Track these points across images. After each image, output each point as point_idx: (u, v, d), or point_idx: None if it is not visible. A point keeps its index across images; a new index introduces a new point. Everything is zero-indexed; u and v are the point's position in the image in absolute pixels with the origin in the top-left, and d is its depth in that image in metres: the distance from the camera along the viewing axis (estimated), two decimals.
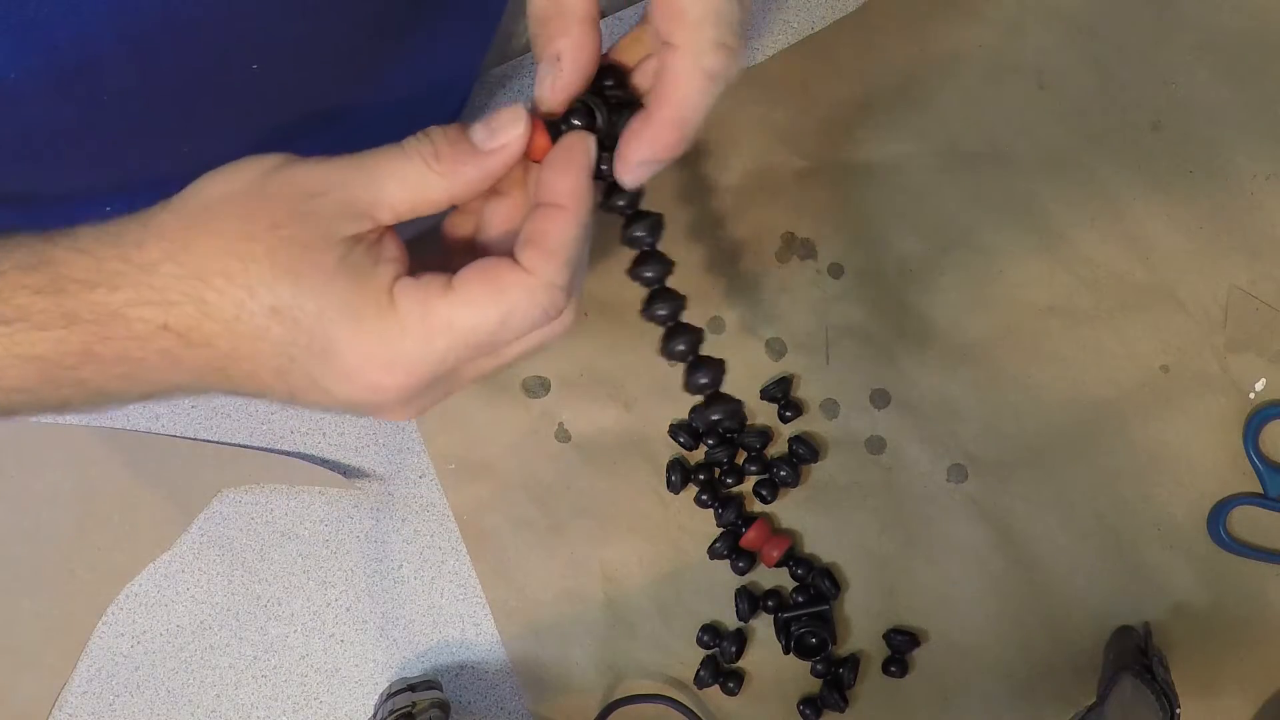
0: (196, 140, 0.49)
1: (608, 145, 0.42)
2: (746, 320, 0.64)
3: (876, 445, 0.63)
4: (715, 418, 0.45)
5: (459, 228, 0.44)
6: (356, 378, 0.39)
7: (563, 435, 0.64)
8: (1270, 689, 0.60)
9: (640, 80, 0.44)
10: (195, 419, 0.64)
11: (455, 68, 0.62)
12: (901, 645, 0.61)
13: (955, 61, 0.66)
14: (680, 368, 0.45)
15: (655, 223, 0.44)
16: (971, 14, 0.66)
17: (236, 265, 0.38)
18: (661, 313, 0.44)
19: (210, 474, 0.64)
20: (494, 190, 0.43)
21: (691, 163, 0.65)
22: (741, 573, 0.62)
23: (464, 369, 0.41)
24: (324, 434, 0.65)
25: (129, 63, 0.43)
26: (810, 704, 0.61)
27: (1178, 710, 0.53)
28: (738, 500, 0.62)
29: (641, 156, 0.41)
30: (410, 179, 0.39)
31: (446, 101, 0.64)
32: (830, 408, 0.63)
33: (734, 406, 0.45)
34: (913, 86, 0.65)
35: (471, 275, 0.39)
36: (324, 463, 0.64)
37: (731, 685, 0.61)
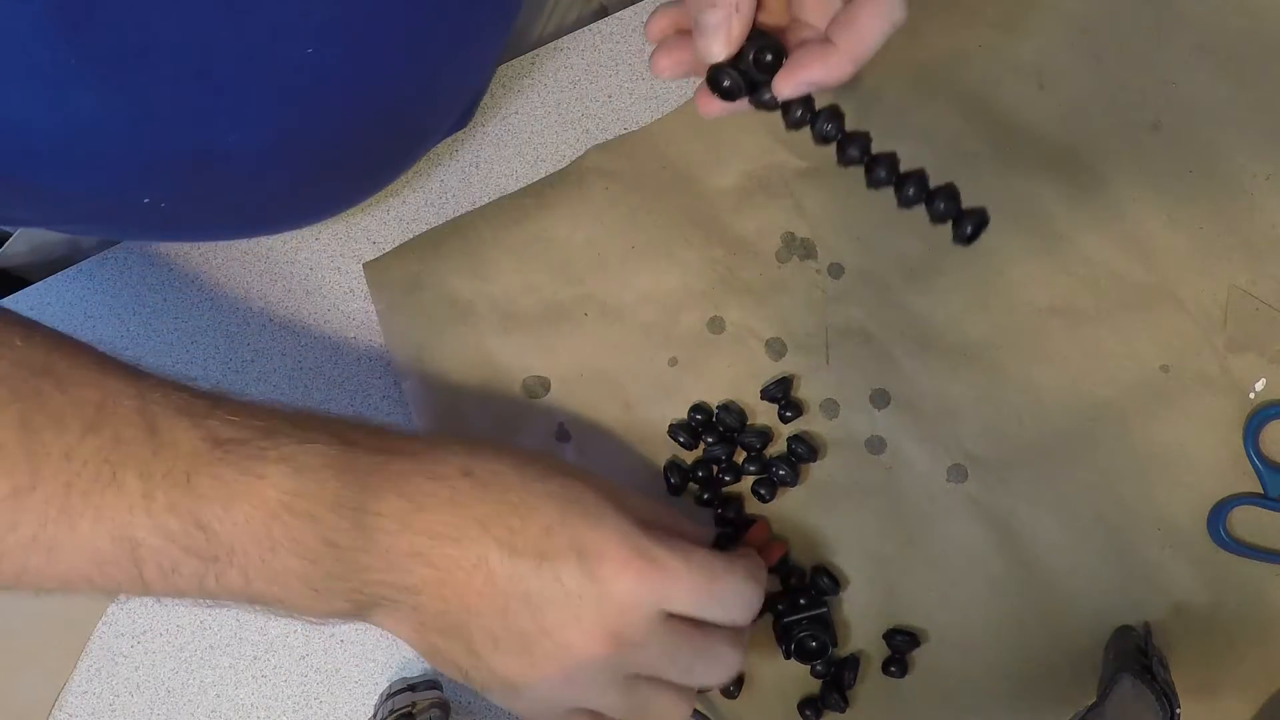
0: (244, 130, 0.50)
1: (767, 70, 0.48)
2: (746, 320, 0.64)
3: (876, 445, 0.63)
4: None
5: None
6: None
7: (563, 435, 0.64)
8: (1270, 689, 0.60)
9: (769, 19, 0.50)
10: None
11: (479, 60, 0.62)
12: (901, 645, 0.61)
13: (955, 61, 0.66)
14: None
15: (832, 113, 0.50)
16: (971, 14, 0.66)
17: (551, 540, 0.50)
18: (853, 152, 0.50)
19: None
20: None
21: (692, 162, 0.65)
22: None
23: None
24: None
25: (184, 48, 0.43)
26: (810, 705, 0.61)
27: (1178, 710, 0.53)
28: (737, 500, 0.62)
29: (816, 79, 0.47)
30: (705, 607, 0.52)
31: (462, 96, 0.64)
32: (830, 408, 0.63)
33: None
34: (913, 86, 0.65)
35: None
36: None
37: (731, 689, 0.61)
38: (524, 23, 0.69)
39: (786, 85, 0.47)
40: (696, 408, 0.63)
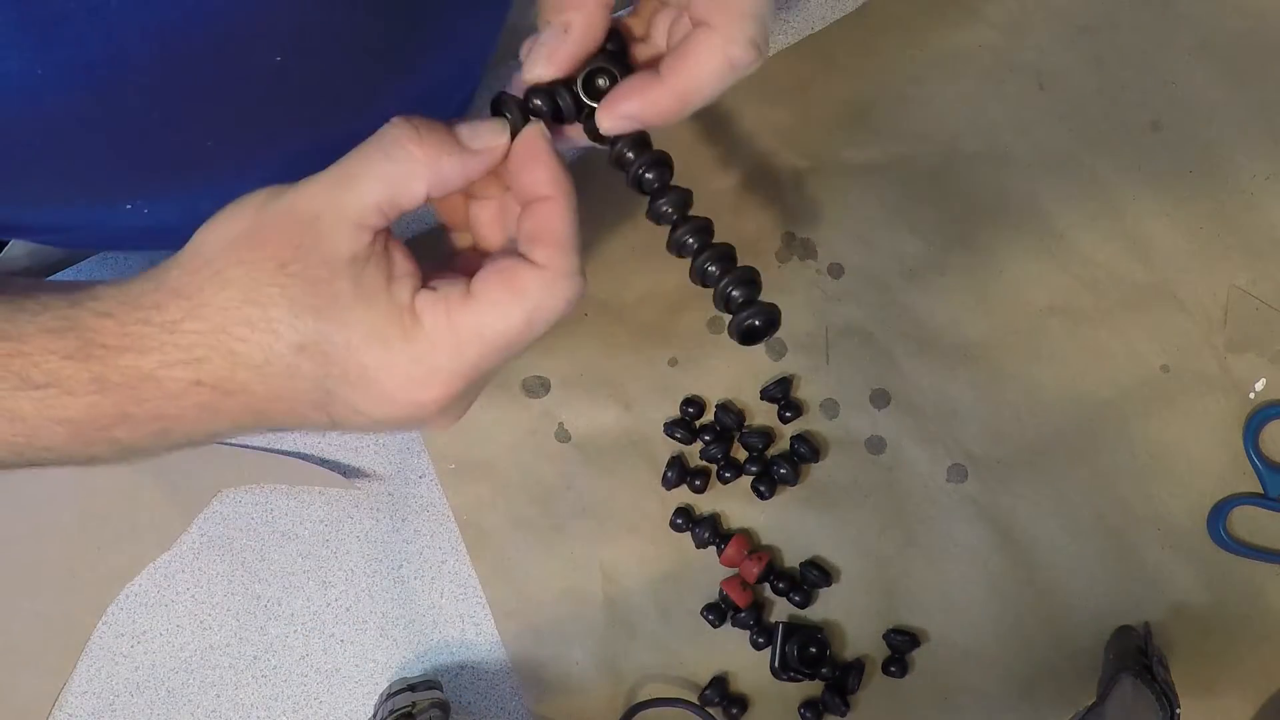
0: (219, 135, 0.50)
1: (595, 98, 0.42)
2: None
3: (876, 445, 0.63)
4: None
5: (455, 241, 0.45)
6: (397, 398, 0.39)
7: (563, 435, 0.64)
8: (1270, 689, 0.60)
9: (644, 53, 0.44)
10: None
11: (466, 61, 0.62)
12: (901, 645, 0.61)
13: (955, 61, 0.66)
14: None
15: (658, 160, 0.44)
16: (971, 14, 0.66)
17: (256, 312, 0.38)
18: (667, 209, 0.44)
19: (210, 474, 0.64)
20: (474, 195, 0.43)
21: (692, 162, 0.65)
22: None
23: (495, 368, 0.41)
24: (324, 434, 0.65)
25: (154, 57, 0.43)
26: (811, 707, 0.61)
27: (1178, 710, 0.53)
28: (711, 519, 0.63)
29: (633, 111, 0.41)
30: (388, 174, 0.39)
31: (455, 96, 0.64)
32: (830, 408, 0.63)
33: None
34: (913, 86, 0.65)
35: (489, 279, 0.39)
36: (324, 463, 0.64)
37: (734, 711, 0.61)
38: (523, 23, 0.69)
39: (605, 117, 0.42)
40: (689, 401, 0.63)
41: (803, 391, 0.64)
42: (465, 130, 0.40)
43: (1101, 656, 0.60)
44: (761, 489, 0.62)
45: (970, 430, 0.63)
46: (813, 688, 0.62)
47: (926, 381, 0.63)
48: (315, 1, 0.46)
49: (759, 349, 0.64)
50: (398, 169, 0.39)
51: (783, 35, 0.66)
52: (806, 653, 0.60)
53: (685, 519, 0.62)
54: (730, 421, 0.63)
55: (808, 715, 0.61)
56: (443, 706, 0.58)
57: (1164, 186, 0.64)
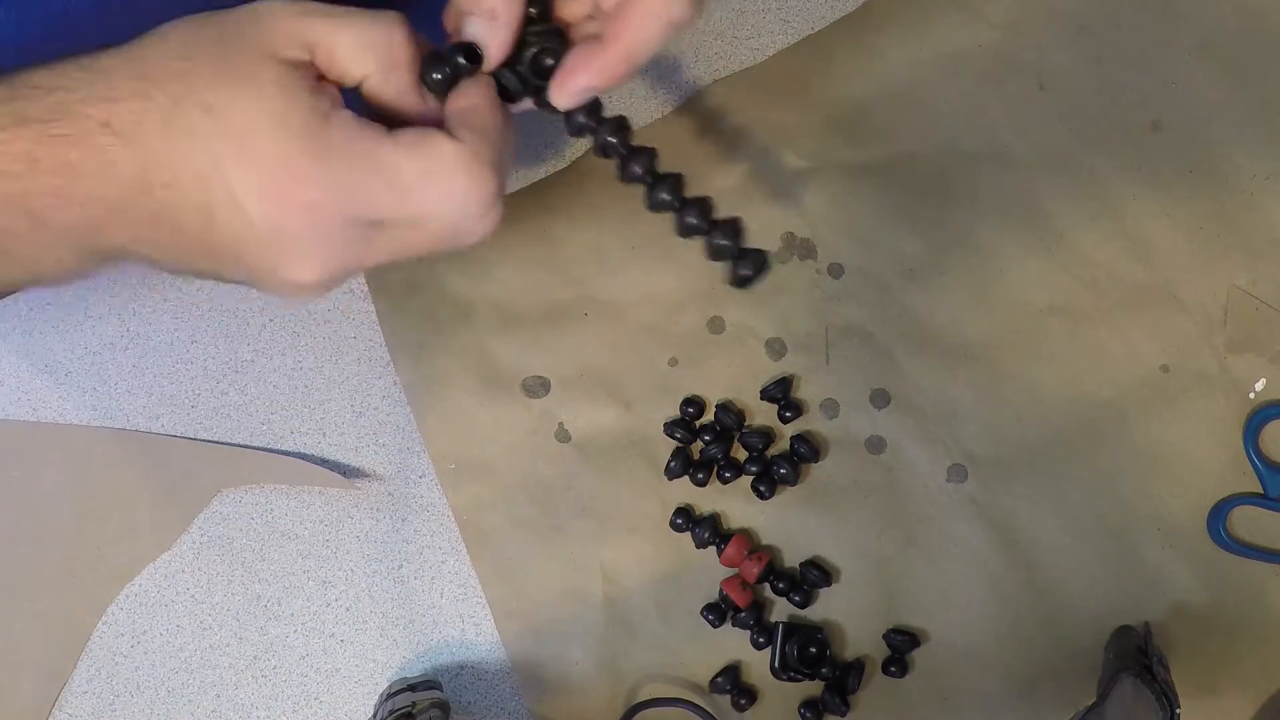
0: None
1: (544, 76, 0.43)
2: (746, 320, 0.64)
3: (876, 445, 0.63)
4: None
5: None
6: (270, 187, 0.39)
7: (563, 435, 0.64)
8: (1270, 689, 0.60)
9: (568, 11, 0.45)
10: (195, 419, 0.65)
11: None
12: (901, 645, 0.61)
13: (955, 61, 0.66)
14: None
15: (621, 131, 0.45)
16: (971, 14, 0.66)
17: (182, 65, 0.39)
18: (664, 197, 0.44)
19: (210, 474, 0.64)
20: None
21: (691, 162, 0.65)
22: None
23: (378, 235, 0.41)
24: (324, 434, 0.65)
25: (136, 28, 0.43)
26: (811, 707, 0.61)
27: (1178, 710, 0.53)
28: (711, 518, 0.63)
29: (585, 84, 0.42)
30: (361, 41, 0.40)
31: None
32: (830, 408, 0.63)
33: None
34: (913, 86, 0.65)
35: (408, 131, 0.40)
36: (324, 463, 0.64)
37: (742, 701, 0.61)
38: None
39: (560, 95, 0.43)
40: (689, 401, 0.63)
41: (803, 391, 0.64)
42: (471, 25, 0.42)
43: (1101, 656, 0.60)
44: (761, 489, 0.62)
45: (970, 430, 0.63)
46: (813, 688, 0.62)
47: (926, 381, 0.63)
48: None
49: (758, 349, 0.64)
50: (362, 41, 0.40)
51: (783, 35, 0.66)
52: (806, 653, 0.60)
53: (685, 519, 0.63)
54: (730, 421, 0.63)
55: (808, 715, 0.61)
56: (443, 706, 0.58)
57: (1164, 186, 0.64)
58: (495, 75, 0.43)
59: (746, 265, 0.43)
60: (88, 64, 0.39)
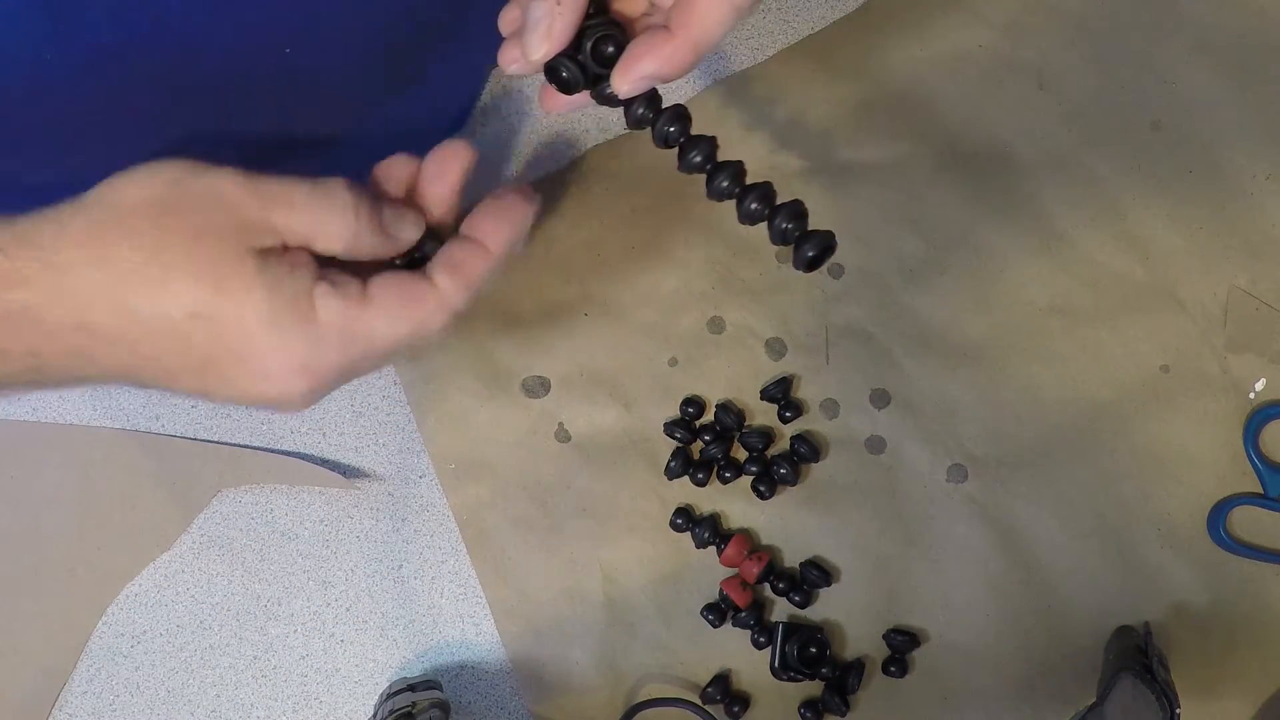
0: (227, 125, 0.50)
1: (606, 64, 0.43)
2: (746, 320, 0.64)
3: (876, 445, 0.63)
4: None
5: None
6: (274, 379, 0.41)
7: (563, 435, 0.64)
8: (1270, 689, 0.60)
9: (625, 7, 0.45)
10: (195, 419, 0.65)
11: (471, 61, 0.62)
12: (901, 645, 0.61)
13: (955, 61, 0.66)
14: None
15: (677, 113, 0.45)
16: (971, 14, 0.66)
17: (159, 273, 0.39)
18: (724, 184, 0.45)
19: (210, 474, 0.64)
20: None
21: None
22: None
23: (367, 371, 0.44)
24: (324, 434, 0.65)
25: (162, 44, 0.43)
26: (811, 707, 0.61)
27: (1178, 710, 0.53)
28: (711, 518, 0.63)
29: (650, 71, 0.42)
30: (316, 222, 0.41)
31: (456, 96, 0.64)
32: (830, 408, 0.63)
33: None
34: (913, 86, 0.65)
35: (388, 287, 0.42)
36: (324, 463, 0.64)
37: (735, 709, 0.61)
38: None
39: (623, 81, 0.43)
40: (689, 401, 0.63)
41: (803, 391, 0.64)
42: (390, 216, 0.43)
43: (1101, 656, 0.60)
44: (761, 489, 0.62)
45: (970, 430, 0.63)
46: (813, 688, 0.62)
47: (926, 381, 0.63)
48: None
49: (758, 349, 0.64)
50: (327, 224, 0.41)
51: (783, 35, 0.66)
52: (806, 653, 0.61)
53: (685, 519, 0.63)
54: (730, 421, 0.63)
55: (808, 715, 0.61)
56: (443, 706, 0.58)
57: (1164, 186, 0.64)
58: (554, 64, 0.43)
59: (812, 246, 0.44)
60: (46, 257, 0.39)
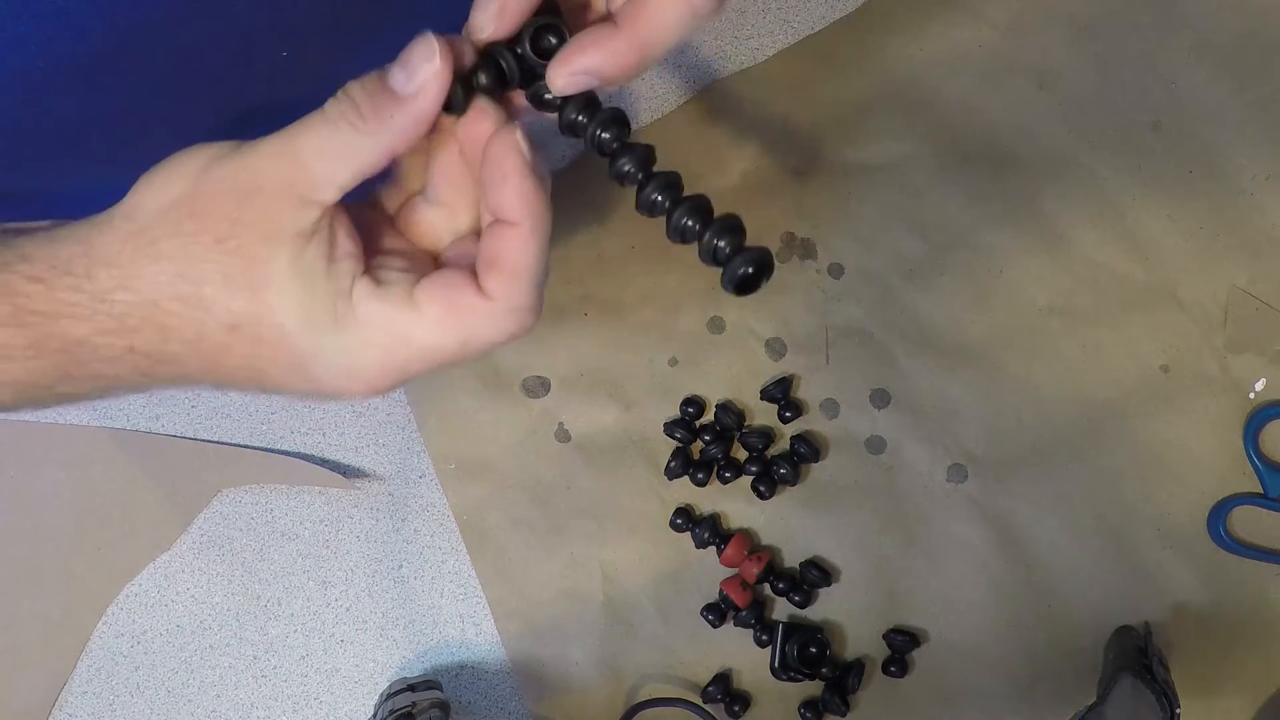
0: (225, 130, 0.50)
1: (545, 56, 0.39)
2: (746, 320, 0.64)
3: (876, 445, 0.63)
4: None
5: (400, 194, 0.43)
6: (323, 383, 0.39)
7: (563, 435, 0.64)
8: (1270, 689, 0.60)
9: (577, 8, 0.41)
10: (195, 419, 0.65)
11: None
12: (901, 645, 0.61)
13: (955, 61, 0.66)
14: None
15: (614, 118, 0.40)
16: (971, 14, 0.66)
17: (189, 289, 0.37)
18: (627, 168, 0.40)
19: (210, 474, 0.64)
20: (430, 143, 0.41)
21: (691, 162, 0.65)
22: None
23: (422, 374, 0.40)
24: (324, 434, 0.65)
25: (156, 48, 0.43)
26: (811, 707, 0.61)
27: (1178, 710, 0.53)
28: (711, 519, 0.63)
29: (590, 65, 0.38)
30: (340, 146, 0.37)
31: None
32: (830, 408, 0.63)
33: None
34: (913, 86, 0.65)
35: (434, 293, 0.38)
36: (324, 463, 0.64)
37: (736, 709, 0.61)
38: None
39: (559, 74, 0.38)
40: (689, 401, 0.63)
41: (803, 391, 0.64)
42: (399, 75, 0.38)
43: (1101, 656, 0.60)
44: (761, 489, 0.62)
45: (970, 430, 0.63)
46: (813, 688, 0.62)
47: (926, 381, 0.63)
48: None
49: (758, 349, 0.64)
50: (346, 140, 0.37)
51: (783, 35, 0.66)
52: (806, 653, 0.61)
53: (685, 519, 0.63)
54: (730, 421, 0.63)
55: (808, 715, 0.61)
56: (443, 706, 0.58)
57: (1164, 186, 0.64)
58: (491, 52, 0.39)
59: (745, 263, 0.39)
60: (80, 284, 0.38)
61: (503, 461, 0.64)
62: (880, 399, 0.63)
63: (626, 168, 0.40)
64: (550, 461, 0.64)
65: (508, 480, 0.64)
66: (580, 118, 0.39)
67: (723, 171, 0.65)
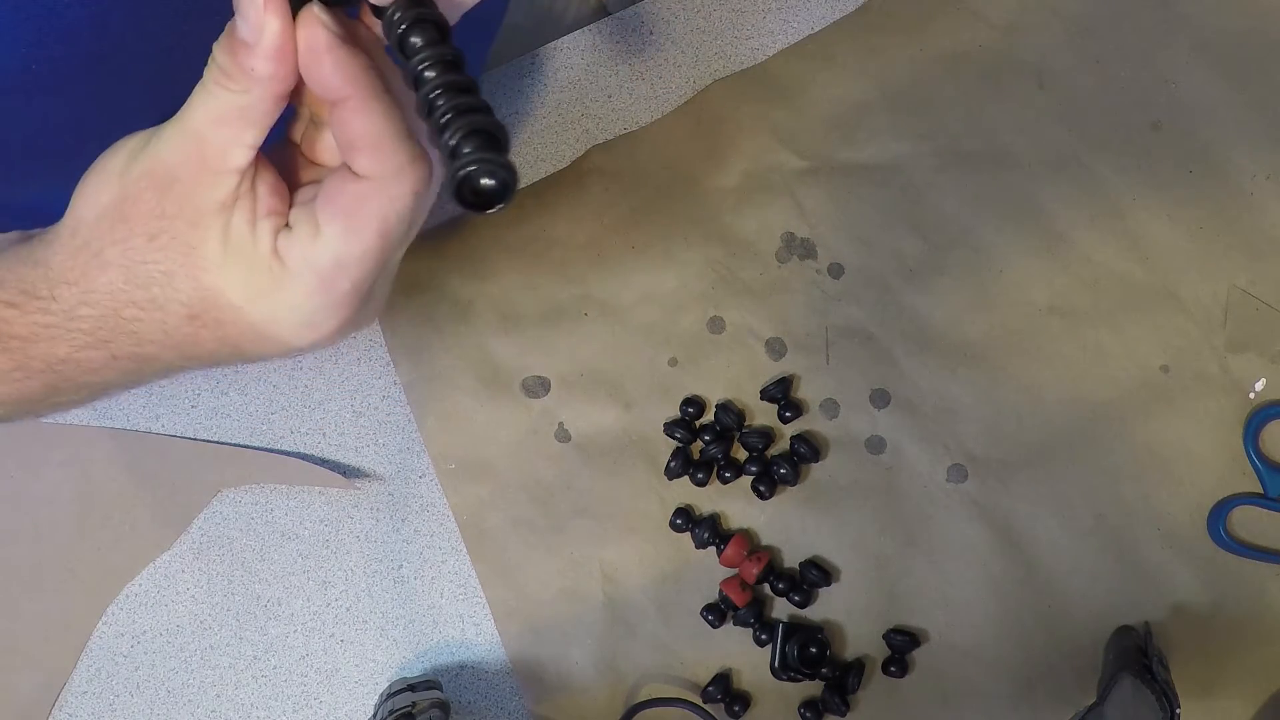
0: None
1: None
2: (746, 320, 0.64)
3: (876, 445, 0.63)
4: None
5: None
6: (293, 342, 0.39)
7: (563, 435, 0.64)
8: (1270, 689, 0.60)
9: None
10: (195, 419, 0.65)
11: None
12: (901, 645, 0.61)
13: (955, 61, 0.66)
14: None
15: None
16: (971, 14, 0.66)
17: (140, 294, 0.38)
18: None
19: (210, 474, 0.64)
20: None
21: (690, 161, 0.65)
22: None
23: (380, 278, 0.40)
24: (324, 434, 0.65)
25: (146, 49, 0.43)
26: (811, 707, 0.61)
27: (1178, 710, 0.53)
28: (711, 519, 0.63)
29: None
30: (227, 110, 0.36)
31: None
32: (830, 408, 0.63)
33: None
34: (913, 86, 0.65)
35: (327, 210, 0.37)
36: (324, 463, 0.64)
37: (736, 708, 0.61)
38: (524, 22, 0.69)
39: None
40: (689, 401, 0.63)
41: (803, 391, 0.64)
42: (240, 24, 0.36)
43: (1101, 656, 0.60)
44: (761, 489, 0.62)
45: (970, 430, 0.63)
46: (813, 688, 0.62)
47: (926, 382, 0.63)
48: None
49: (758, 349, 0.64)
50: (229, 103, 0.36)
51: (783, 35, 0.66)
52: (806, 653, 0.60)
53: (685, 519, 0.63)
54: (730, 421, 0.63)
55: (808, 715, 0.61)
56: (443, 706, 0.58)
57: (1164, 186, 0.64)
58: None
59: (487, 171, 0.32)
60: (48, 306, 0.38)
61: (503, 461, 0.64)
62: (880, 399, 0.63)
63: (395, 14, 0.35)
64: (550, 461, 0.64)
65: (508, 480, 0.64)
66: (401, 20, 0.35)
67: (723, 171, 0.65)
